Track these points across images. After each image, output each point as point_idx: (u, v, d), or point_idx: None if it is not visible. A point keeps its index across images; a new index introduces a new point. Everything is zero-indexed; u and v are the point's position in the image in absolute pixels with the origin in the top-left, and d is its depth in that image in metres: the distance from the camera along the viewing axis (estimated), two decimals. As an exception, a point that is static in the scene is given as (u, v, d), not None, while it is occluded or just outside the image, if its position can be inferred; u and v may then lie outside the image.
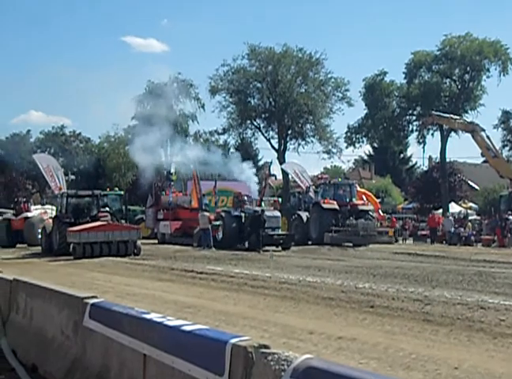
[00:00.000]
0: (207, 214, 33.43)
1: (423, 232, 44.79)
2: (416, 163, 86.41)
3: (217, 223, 33.34)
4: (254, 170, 40.54)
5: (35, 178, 64.18)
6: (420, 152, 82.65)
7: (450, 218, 42.53)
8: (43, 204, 48.81)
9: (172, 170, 67.67)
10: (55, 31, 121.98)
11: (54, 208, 36.67)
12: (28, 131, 78.34)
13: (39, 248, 31.49)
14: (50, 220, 31.53)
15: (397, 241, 39.71)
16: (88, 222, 28.74)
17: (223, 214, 33.67)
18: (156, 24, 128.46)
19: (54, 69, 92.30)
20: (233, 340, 4.28)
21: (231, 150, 73.69)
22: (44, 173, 40.49)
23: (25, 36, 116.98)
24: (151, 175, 47.21)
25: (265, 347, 4.07)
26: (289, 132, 59.49)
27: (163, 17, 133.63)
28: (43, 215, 37.33)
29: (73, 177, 69.07)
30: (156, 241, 39.36)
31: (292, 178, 49.47)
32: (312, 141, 59.73)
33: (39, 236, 32.53)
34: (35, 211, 40.24)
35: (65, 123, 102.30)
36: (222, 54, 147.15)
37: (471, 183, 66.35)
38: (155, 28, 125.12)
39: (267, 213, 31.77)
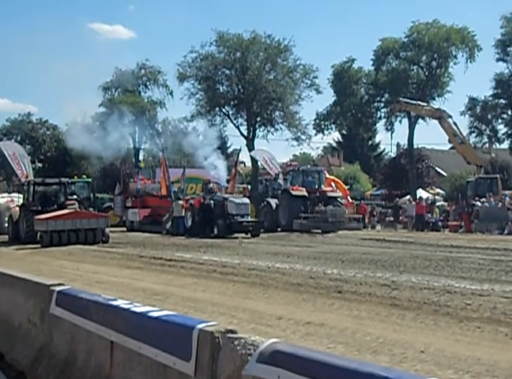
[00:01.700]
0: (181, 202, 33.66)
1: (392, 218, 45.09)
2: (384, 150, 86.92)
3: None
4: (223, 157, 40.41)
5: (2, 166, 63.46)
6: (388, 139, 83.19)
7: (413, 203, 42.74)
8: (9, 192, 48.31)
9: (140, 158, 67.58)
10: (21, 18, 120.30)
11: (21, 196, 36.32)
12: (-6, 118, 77.52)
13: (6, 236, 31.23)
14: (17, 208, 31.23)
15: (365, 227, 39.88)
16: (55, 210, 28.53)
17: (192, 201, 33.61)
18: (123, 11, 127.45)
19: (19, 56, 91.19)
20: (200, 326, 4.29)
21: (200, 137, 73.50)
22: (10, 161, 40.06)
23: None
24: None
25: (232, 331, 4.08)
26: (258, 119, 59.29)
27: (130, 3, 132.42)
28: (10, 203, 36.97)
29: (40, 164, 68.48)
30: (125, 228, 39.21)
31: (261, 165, 49.44)
32: (281, 128, 59.59)
33: (6, 224, 32.24)
34: (1, 199, 39.84)
35: (32, 110, 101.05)
36: (190, 40, 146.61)
37: (438, 169, 66.88)
38: (121, 14, 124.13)
39: (235, 200, 31.74)
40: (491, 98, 56.59)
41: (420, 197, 44.73)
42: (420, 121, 55.15)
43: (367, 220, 42.37)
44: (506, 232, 32.73)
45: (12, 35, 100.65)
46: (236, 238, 29.02)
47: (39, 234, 27.23)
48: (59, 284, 7.09)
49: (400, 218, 44.01)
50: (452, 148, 54.07)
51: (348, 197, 43.74)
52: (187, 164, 46.82)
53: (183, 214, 33.01)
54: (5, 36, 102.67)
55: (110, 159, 54.75)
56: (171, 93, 66.15)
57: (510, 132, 57.23)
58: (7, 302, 8.46)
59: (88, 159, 62.22)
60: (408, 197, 48.13)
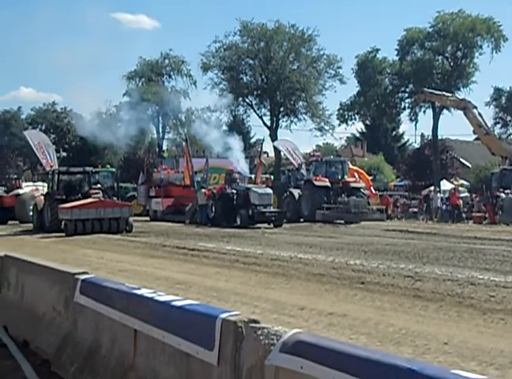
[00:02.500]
0: (204, 190, 33.91)
1: (415, 209, 44.88)
2: (408, 141, 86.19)
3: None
4: (243, 147, 40.27)
5: (27, 155, 64.01)
6: (412, 130, 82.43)
7: (439, 195, 42.51)
8: (34, 181, 48.74)
9: (164, 147, 67.84)
10: (44, 7, 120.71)
11: (46, 185, 36.61)
12: (19, 108, 78.03)
13: (31, 225, 31.50)
14: (42, 197, 31.45)
15: (388, 218, 39.69)
16: (79, 199, 28.71)
17: (214, 191, 33.65)
18: (146, 0, 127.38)
19: (44, 46, 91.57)
20: (223, 315, 4.30)
21: (224, 127, 73.65)
22: (35, 150, 40.29)
23: (14, 13, 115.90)
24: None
25: (255, 321, 4.08)
26: (281, 109, 59.25)
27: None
28: (35, 192, 37.27)
29: (64, 154, 68.91)
30: (148, 218, 39.37)
31: (284, 155, 49.41)
32: (304, 118, 59.57)
33: (31, 213, 32.48)
34: (26, 188, 40.20)
35: (56, 100, 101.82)
36: (214, 30, 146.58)
37: (462, 160, 66.40)
38: (145, 3, 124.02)
39: (258, 190, 31.73)
40: (516, 88, 56.10)
41: (455, 188, 44.40)
42: (445, 111, 54.87)
43: (390, 211, 42.08)
44: (530, 224, 32.44)
45: (35, 25, 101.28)
46: (259, 228, 29.06)
47: (63, 223, 27.41)
48: (83, 273, 7.13)
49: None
50: (476, 138, 53.72)
51: (371, 188, 43.53)
52: (210, 154, 46.85)
53: (206, 202, 33.19)
54: (27, 26, 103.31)
55: (123, 149, 55.30)
56: (195, 83, 66.39)
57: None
58: (32, 290, 8.52)
59: (111, 149, 62.66)
60: (431, 187, 47.85)
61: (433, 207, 41.31)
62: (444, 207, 40.74)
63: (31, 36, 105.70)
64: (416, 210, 44.39)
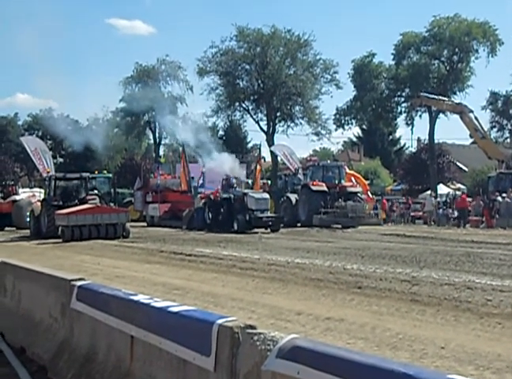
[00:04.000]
0: (201, 195, 34.10)
1: (413, 213, 44.89)
2: (404, 145, 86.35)
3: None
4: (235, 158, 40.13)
5: (24, 161, 64.04)
6: (409, 134, 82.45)
7: (433, 199, 42.42)
8: (31, 187, 48.73)
9: (161, 153, 67.87)
10: (40, 14, 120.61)
11: (43, 191, 36.59)
12: (16, 114, 78.09)
13: (28, 231, 31.46)
14: (39, 203, 31.47)
15: (387, 222, 39.70)
16: (76, 205, 28.73)
17: (211, 196, 33.66)
18: (141, 5, 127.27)
19: (40, 52, 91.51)
20: (220, 321, 4.29)
21: (220, 132, 73.79)
22: (32, 156, 40.25)
23: (9, 19, 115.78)
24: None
25: (252, 327, 4.08)
26: (278, 114, 59.21)
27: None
28: (32, 198, 37.26)
29: (61, 160, 68.93)
30: (145, 224, 39.35)
31: (281, 160, 49.44)
32: (301, 123, 59.50)
33: (28, 219, 32.47)
34: (23, 194, 40.20)
35: (53, 106, 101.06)
36: (210, 35, 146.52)
37: (459, 164, 66.50)
38: (139, 9, 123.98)
39: (255, 195, 31.75)
40: (512, 92, 56.22)
41: (463, 191, 44.45)
42: (441, 115, 54.88)
43: (383, 215, 41.59)
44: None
45: (31, 31, 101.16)
46: (256, 233, 29.04)
47: (60, 229, 27.41)
48: (80, 279, 7.12)
49: (420, 213, 43.87)
50: (473, 142, 53.84)
51: (369, 193, 43.56)
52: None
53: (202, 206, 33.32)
54: (23, 32, 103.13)
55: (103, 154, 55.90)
56: (191, 88, 66.34)
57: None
58: (28, 296, 8.52)
59: (109, 154, 62.75)
60: (428, 192, 47.91)
61: (426, 210, 41.34)
62: (441, 211, 40.77)
63: (25, 42, 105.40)
64: (414, 214, 44.35)
